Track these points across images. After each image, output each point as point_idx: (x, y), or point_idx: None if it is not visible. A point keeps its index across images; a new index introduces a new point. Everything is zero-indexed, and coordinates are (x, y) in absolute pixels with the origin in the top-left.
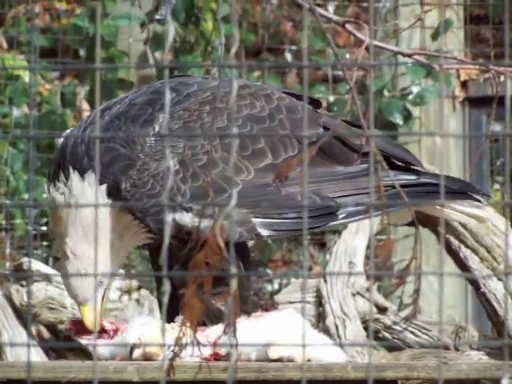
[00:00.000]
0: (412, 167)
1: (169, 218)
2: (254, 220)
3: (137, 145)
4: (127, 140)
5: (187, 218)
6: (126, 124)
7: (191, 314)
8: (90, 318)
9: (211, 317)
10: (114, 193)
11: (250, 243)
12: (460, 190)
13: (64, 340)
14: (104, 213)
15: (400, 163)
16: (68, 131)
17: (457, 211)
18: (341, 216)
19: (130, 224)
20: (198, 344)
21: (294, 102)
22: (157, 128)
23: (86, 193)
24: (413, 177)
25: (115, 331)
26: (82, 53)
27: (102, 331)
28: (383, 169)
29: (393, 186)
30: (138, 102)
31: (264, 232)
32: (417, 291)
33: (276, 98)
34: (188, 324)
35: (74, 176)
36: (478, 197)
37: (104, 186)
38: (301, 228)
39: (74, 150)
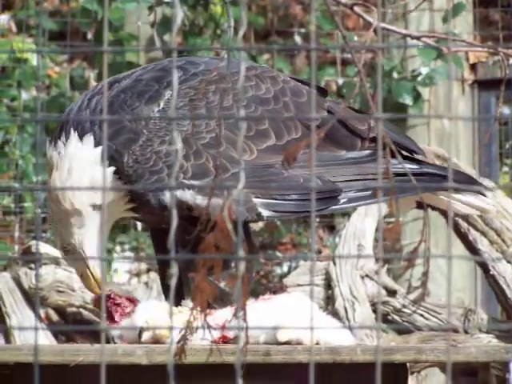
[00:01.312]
0: (415, 156)
1: (169, 193)
2: (255, 200)
3: (141, 120)
4: (133, 115)
5: (188, 195)
6: (132, 99)
7: (202, 298)
8: (89, 280)
9: (218, 299)
10: (113, 164)
11: (259, 225)
12: (464, 182)
13: (73, 323)
14: (97, 180)
15: (403, 151)
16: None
17: (461, 202)
18: (342, 201)
19: (117, 197)
20: (209, 327)
21: (299, 85)
22: (162, 105)
23: (81, 154)
24: (416, 166)
25: (131, 303)
26: (90, 36)
27: (117, 305)
28: (393, 154)
29: (397, 174)
30: (145, 78)
31: (265, 212)
32: (425, 274)
33: (281, 81)
34: (199, 307)
35: (73, 137)
36: (481, 189)
37: (99, 149)
38: (302, 210)
39: (78, 114)
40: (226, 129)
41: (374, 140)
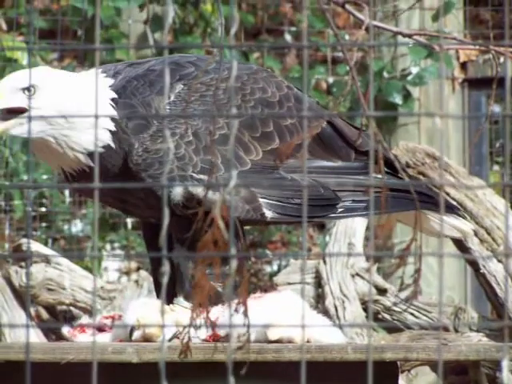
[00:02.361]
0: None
1: (180, 187)
2: (261, 200)
3: (152, 108)
4: (144, 103)
5: (199, 189)
6: (143, 87)
7: (202, 295)
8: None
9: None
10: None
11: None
12: (448, 204)
13: (63, 321)
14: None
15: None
16: None
17: (444, 223)
18: (339, 210)
19: None
20: (212, 325)
21: (301, 93)
22: (172, 97)
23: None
24: (400, 181)
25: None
26: (80, 34)
27: (101, 330)
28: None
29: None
30: (158, 69)
31: (269, 213)
32: (418, 272)
33: (285, 86)
34: (199, 305)
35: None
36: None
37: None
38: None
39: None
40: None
41: (365, 153)
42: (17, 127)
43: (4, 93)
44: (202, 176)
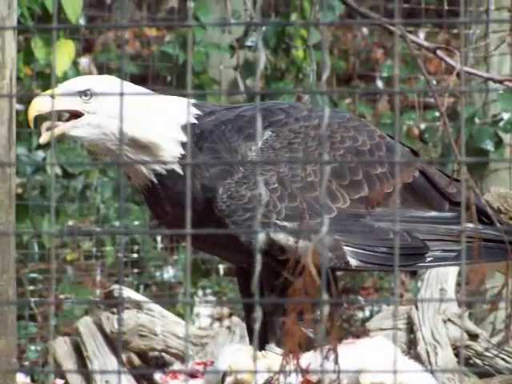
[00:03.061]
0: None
1: (262, 233)
2: (345, 248)
3: (238, 154)
4: (230, 148)
5: (281, 235)
6: (231, 132)
7: (292, 342)
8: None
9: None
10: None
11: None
12: None
13: (155, 367)
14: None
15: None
16: None
17: None
18: (428, 259)
19: None
20: (302, 371)
21: (394, 142)
22: (260, 144)
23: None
24: (496, 232)
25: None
26: (170, 79)
27: (193, 376)
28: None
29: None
30: (248, 115)
31: (353, 262)
32: (509, 317)
33: (378, 136)
34: (289, 352)
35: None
36: None
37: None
38: (390, 264)
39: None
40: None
41: (459, 204)
42: (74, 130)
43: (61, 95)
44: (285, 223)
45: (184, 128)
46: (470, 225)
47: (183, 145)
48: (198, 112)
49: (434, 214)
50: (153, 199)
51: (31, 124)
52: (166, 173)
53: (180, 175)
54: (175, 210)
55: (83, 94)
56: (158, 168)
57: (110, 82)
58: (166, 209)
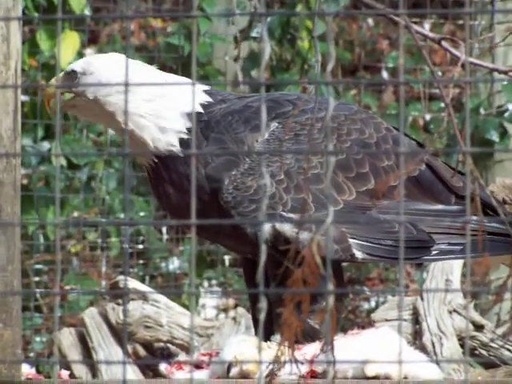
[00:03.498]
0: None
1: (268, 224)
2: (351, 240)
3: (244, 145)
4: (236, 139)
5: (287, 227)
6: (237, 123)
7: (289, 333)
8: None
9: (306, 335)
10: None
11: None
12: None
13: (160, 358)
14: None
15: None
16: None
17: None
18: (434, 252)
19: None
20: (296, 362)
21: (401, 135)
22: (266, 135)
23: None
24: (501, 226)
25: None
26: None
27: (199, 367)
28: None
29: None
30: (255, 106)
31: (358, 254)
32: None
33: (384, 128)
34: (286, 342)
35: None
36: None
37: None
38: (395, 256)
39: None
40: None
41: (465, 198)
42: (70, 110)
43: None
44: (291, 215)
45: (189, 115)
46: (476, 218)
47: (188, 130)
48: (209, 99)
49: (440, 207)
50: (156, 181)
51: (53, 113)
52: (165, 153)
53: (179, 156)
54: (178, 194)
55: (69, 75)
56: (161, 148)
57: (109, 62)
58: (169, 191)
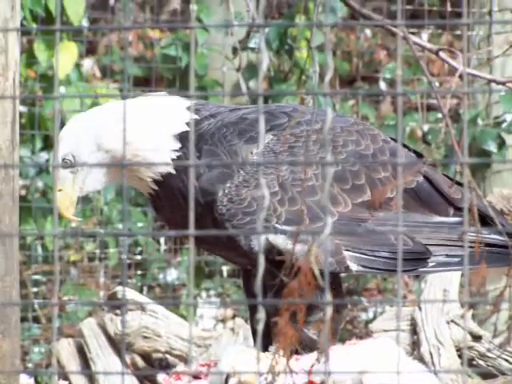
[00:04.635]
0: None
1: (262, 237)
2: (345, 252)
3: (238, 157)
4: (230, 151)
5: (280, 239)
6: (232, 135)
7: (285, 342)
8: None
9: (304, 345)
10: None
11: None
12: None
13: (158, 369)
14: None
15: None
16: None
17: None
18: (431, 264)
19: None
20: (292, 372)
21: (398, 146)
22: (261, 147)
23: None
24: (500, 237)
25: (208, 369)
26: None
27: (197, 377)
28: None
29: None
30: (250, 118)
31: (353, 266)
32: (511, 318)
33: (381, 140)
34: (282, 352)
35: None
36: None
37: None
38: (391, 268)
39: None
40: (322, 179)
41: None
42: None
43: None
44: (285, 227)
45: (177, 137)
46: (474, 229)
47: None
48: (196, 117)
49: (438, 219)
50: (158, 205)
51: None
52: (162, 178)
53: (172, 174)
54: (174, 210)
55: (64, 163)
56: (155, 175)
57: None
58: (170, 211)
